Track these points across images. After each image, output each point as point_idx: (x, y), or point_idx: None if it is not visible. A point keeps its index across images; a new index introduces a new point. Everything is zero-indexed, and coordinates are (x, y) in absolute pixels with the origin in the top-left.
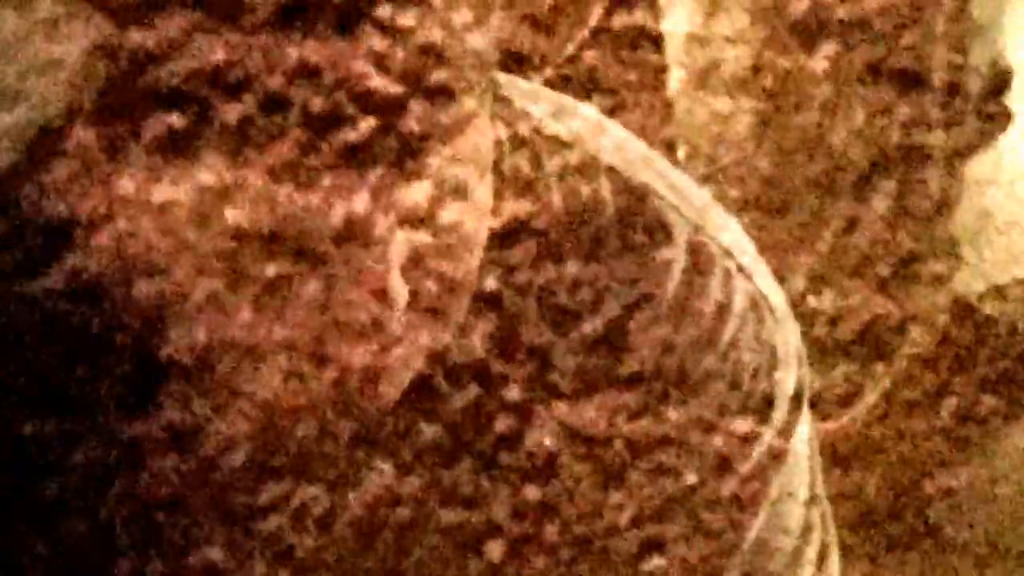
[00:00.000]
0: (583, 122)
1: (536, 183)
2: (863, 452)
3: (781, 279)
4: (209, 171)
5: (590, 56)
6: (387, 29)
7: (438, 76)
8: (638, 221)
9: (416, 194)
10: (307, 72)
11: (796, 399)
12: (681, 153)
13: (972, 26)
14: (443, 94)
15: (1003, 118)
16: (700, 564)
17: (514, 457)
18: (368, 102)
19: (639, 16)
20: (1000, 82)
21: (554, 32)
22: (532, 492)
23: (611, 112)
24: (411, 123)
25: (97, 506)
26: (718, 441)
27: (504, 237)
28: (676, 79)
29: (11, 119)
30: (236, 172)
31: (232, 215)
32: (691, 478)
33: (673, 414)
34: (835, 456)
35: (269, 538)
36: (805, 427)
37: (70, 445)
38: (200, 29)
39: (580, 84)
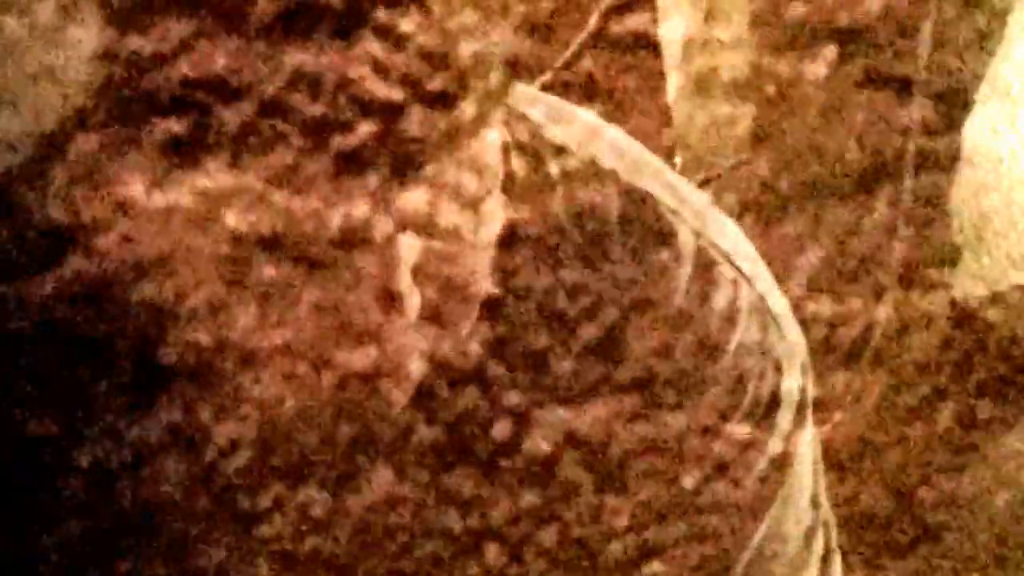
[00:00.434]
0: (582, 127)
1: (535, 188)
2: (861, 457)
3: (779, 284)
4: (209, 176)
5: (588, 61)
6: (386, 35)
7: (437, 82)
8: (638, 225)
9: (416, 199)
10: (306, 78)
11: (800, 405)
12: (679, 158)
13: (972, 32)
14: (442, 100)
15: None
16: (701, 569)
17: (513, 461)
18: (367, 108)
19: (637, 21)
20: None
21: (552, 37)
22: (530, 496)
23: (609, 117)
24: (410, 129)
25: (99, 507)
26: (717, 446)
27: (503, 242)
28: (674, 84)
29: (13, 124)
30: (236, 177)
31: (232, 219)
32: (689, 483)
33: (671, 419)
34: (833, 461)
35: (269, 540)
36: (809, 433)
37: (73, 447)
38: (200, 36)
39: (578, 89)
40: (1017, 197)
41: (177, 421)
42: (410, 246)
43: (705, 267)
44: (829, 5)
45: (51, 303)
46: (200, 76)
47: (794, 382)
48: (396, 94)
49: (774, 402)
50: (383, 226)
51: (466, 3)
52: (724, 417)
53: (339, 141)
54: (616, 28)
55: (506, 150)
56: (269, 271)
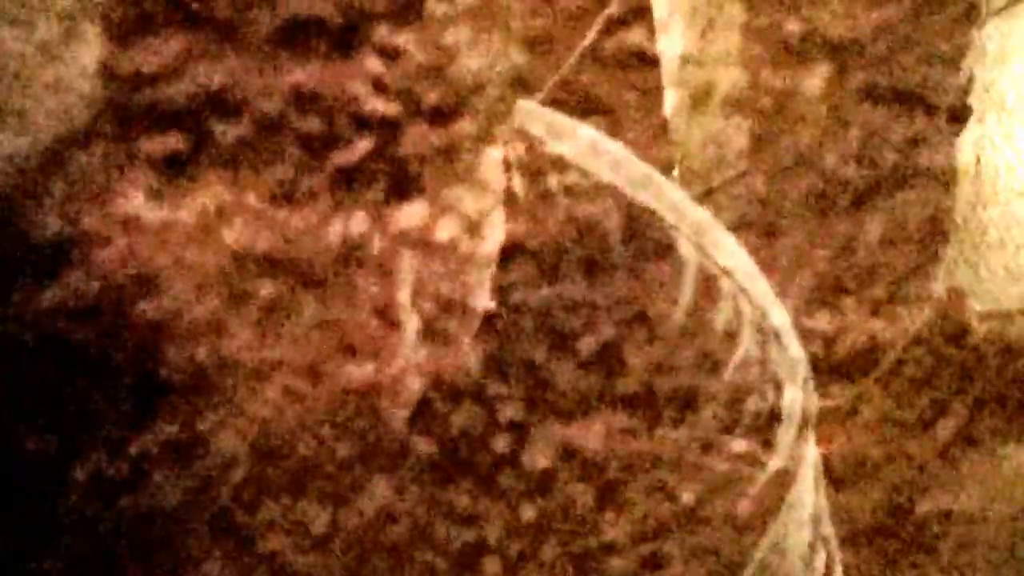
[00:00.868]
0: (582, 142)
1: (534, 203)
2: (859, 471)
3: (778, 299)
4: (207, 192)
5: (586, 77)
6: (384, 51)
7: (436, 98)
8: (638, 240)
9: (414, 215)
10: (304, 94)
11: (802, 421)
12: (677, 173)
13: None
14: (441, 116)
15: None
16: None
17: (511, 475)
18: (365, 124)
19: (635, 37)
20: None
21: (550, 53)
22: (529, 511)
23: (607, 132)
24: (407, 145)
25: (98, 521)
26: (717, 462)
27: (503, 257)
28: (672, 99)
29: (11, 140)
30: (234, 193)
31: (230, 235)
32: (689, 498)
33: (671, 434)
34: (831, 475)
35: (267, 554)
36: (810, 448)
37: (71, 461)
38: (199, 52)
39: (576, 105)
40: (1014, 210)
41: (176, 436)
42: (409, 262)
43: (705, 282)
44: (825, 20)
45: (50, 317)
46: (199, 92)
47: (795, 397)
48: (394, 111)
49: (775, 418)
50: (381, 242)
51: (464, 20)
52: (724, 432)
53: (337, 157)
54: (614, 44)
55: (506, 165)
56: (267, 287)
